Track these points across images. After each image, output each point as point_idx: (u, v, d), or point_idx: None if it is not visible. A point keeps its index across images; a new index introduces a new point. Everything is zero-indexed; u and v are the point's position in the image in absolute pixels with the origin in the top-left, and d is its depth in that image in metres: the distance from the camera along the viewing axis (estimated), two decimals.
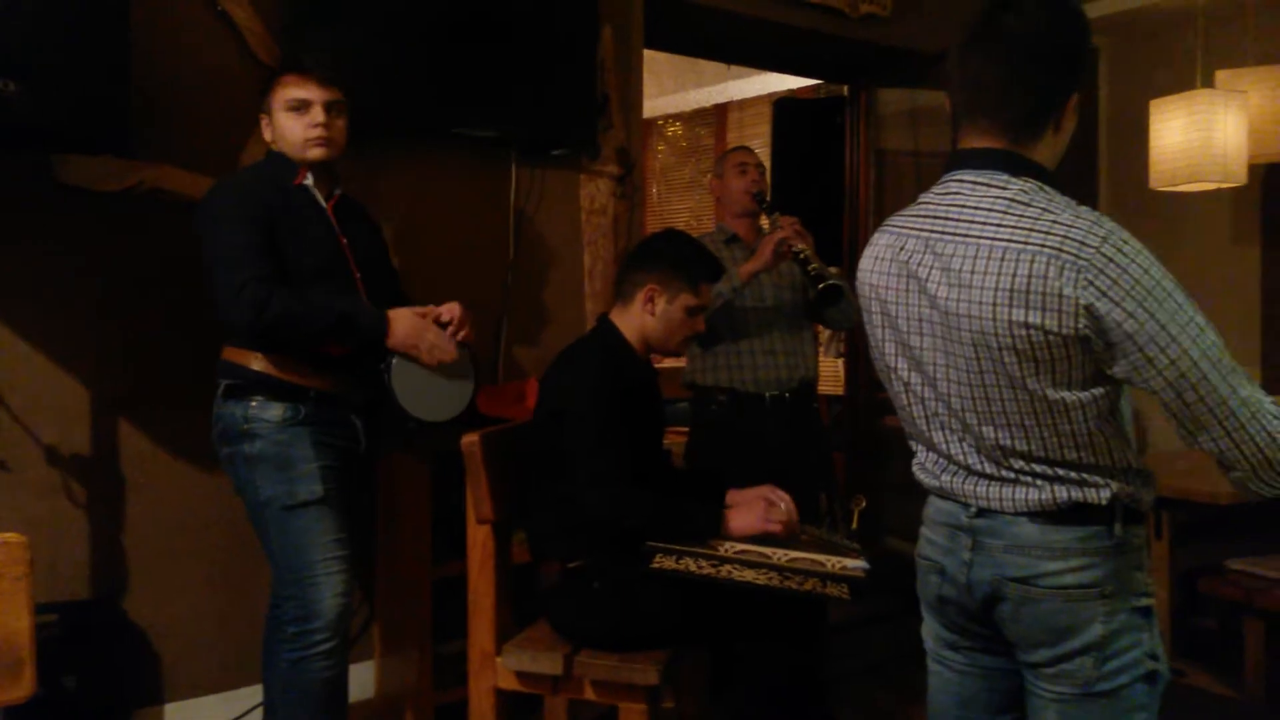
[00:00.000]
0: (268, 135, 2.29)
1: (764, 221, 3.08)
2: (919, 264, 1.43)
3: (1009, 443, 1.39)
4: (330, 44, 2.69)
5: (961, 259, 1.36)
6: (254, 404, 2.16)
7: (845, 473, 4.53)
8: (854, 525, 2.24)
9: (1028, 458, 1.39)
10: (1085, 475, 1.38)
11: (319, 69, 2.26)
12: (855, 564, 1.99)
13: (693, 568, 2.01)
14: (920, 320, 1.44)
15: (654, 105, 6.60)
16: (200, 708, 2.72)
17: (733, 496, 2.27)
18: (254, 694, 2.59)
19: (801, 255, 2.79)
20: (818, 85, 5.48)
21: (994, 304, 1.32)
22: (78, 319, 2.55)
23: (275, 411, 2.16)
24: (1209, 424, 1.29)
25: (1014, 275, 1.30)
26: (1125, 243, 1.27)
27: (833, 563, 1.99)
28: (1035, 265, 1.29)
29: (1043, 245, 1.29)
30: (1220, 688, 3.20)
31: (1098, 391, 1.34)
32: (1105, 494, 1.38)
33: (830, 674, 3.09)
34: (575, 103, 3.20)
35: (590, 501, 2.06)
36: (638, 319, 2.27)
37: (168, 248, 2.61)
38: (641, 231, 3.67)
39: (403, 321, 2.20)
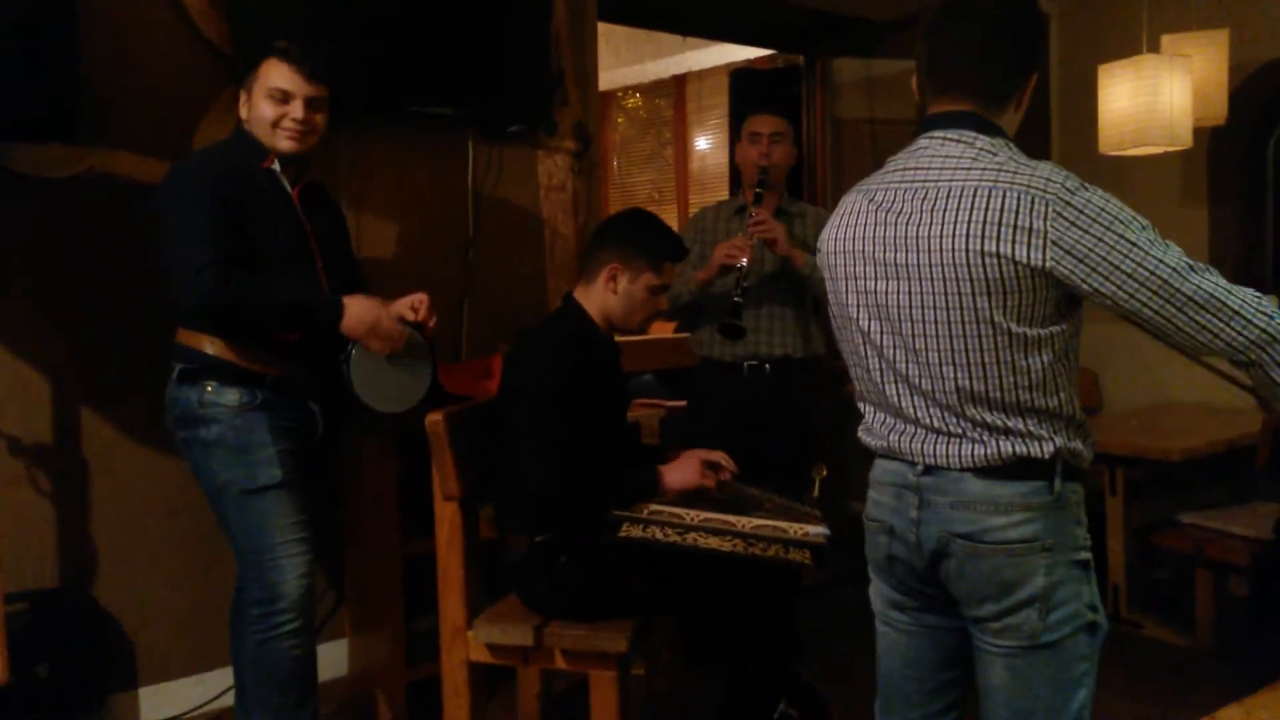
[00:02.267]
0: (243, 113, 2.26)
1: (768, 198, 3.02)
2: (889, 210, 1.49)
3: (967, 384, 1.44)
4: (279, 22, 2.66)
5: (934, 199, 1.44)
6: (209, 388, 2.16)
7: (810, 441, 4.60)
8: (815, 493, 2.29)
9: (984, 403, 1.44)
10: (1032, 428, 1.43)
11: (309, 61, 2.22)
12: (817, 530, 2.03)
13: (659, 536, 2.04)
14: (888, 265, 1.49)
15: (612, 77, 6.57)
16: (173, 691, 2.73)
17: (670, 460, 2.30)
18: (226, 676, 2.60)
19: (741, 272, 2.78)
20: (775, 55, 5.49)
21: (966, 235, 1.39)
22: (34, 308, 2.53)
23: (232, 396, 2.16)
24: (1188, 318, 1.34)
25: (985, 209, 1.38)
26: (1085, 185, 1.38)
27: (795, 529, 2.03)
28: (1006, 200, 1.38)
29: (1012, 183, 1.39)
30: (1175, 638, 3.31)
31: (1056, 329, 1.42)
32: (1049, 448, 1.44)
33: (800, 635, 3.15)
34: (530, 78, 3.19)
35: (531, 471, 2.08)
36: (600, 297, 2.29)
37: (122, 233, 2.59)
38: (602, 207, 3.68)
39: (357, 306, 2.19)
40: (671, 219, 6.49)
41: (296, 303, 2.16)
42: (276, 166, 2.25)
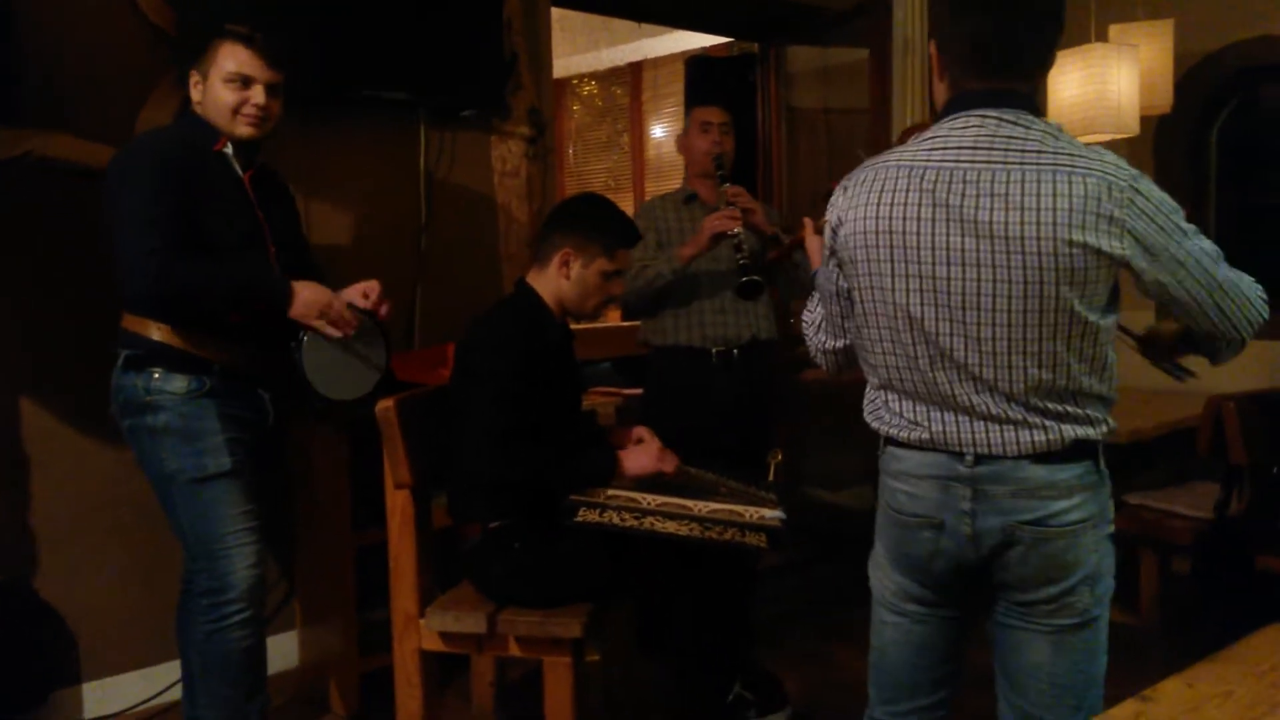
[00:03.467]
0: (196, 95, 2.20)
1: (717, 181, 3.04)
2: (949, 192, 1.41)
3: (1036, 373, 1.41)
4: (228, 6, 2.60)
5: (1008, 183, 1.38)
6: (156, 375, 2.11)
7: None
8: (770, 478, 2.30)
9: (1051, 391, 1.43)
10: (1089, 411, 1.45)
11: (270, 47, 2.19)
12: (773, 514, 2.05)
13: (615, 521, 2.05)
14: (951, 250, 1.41)
15: (567, 64, 6.54)
16: (118, 685, 2.68)
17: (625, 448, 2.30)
18: (172, 669, 2.56)
19: (738, 246, 2.79)
20: (730, 43, 5.49)
21: (1053, 224, 1.36)
22: None
23: (179, 383, 2.12)
24: (1215, 304, 1.43)
25: (1070, 195, 1.36)
26: (1142, 175, 1.41)
27: (751, 513, 2.04)
28: (1089, 185, 1.36)
29: (1088, 169, 1.37)
30: (1121, 616, 3.37)
31: (1112, 317, 1.45)
32: (1103, 429, 1.46)
33: (756, 619, 3.17)
34: (483, 63, 3.16)
35: (479, 458, 2.06)
36: (553, 282, 2.28)
37: (63, 219, 2.53)
38: (556, 193, 3.66)
39: (306, 291, 2.16)
40: (628, 206, 6.46)
41: (244, 285, 2.12)
42: (229, 150, 2.20)
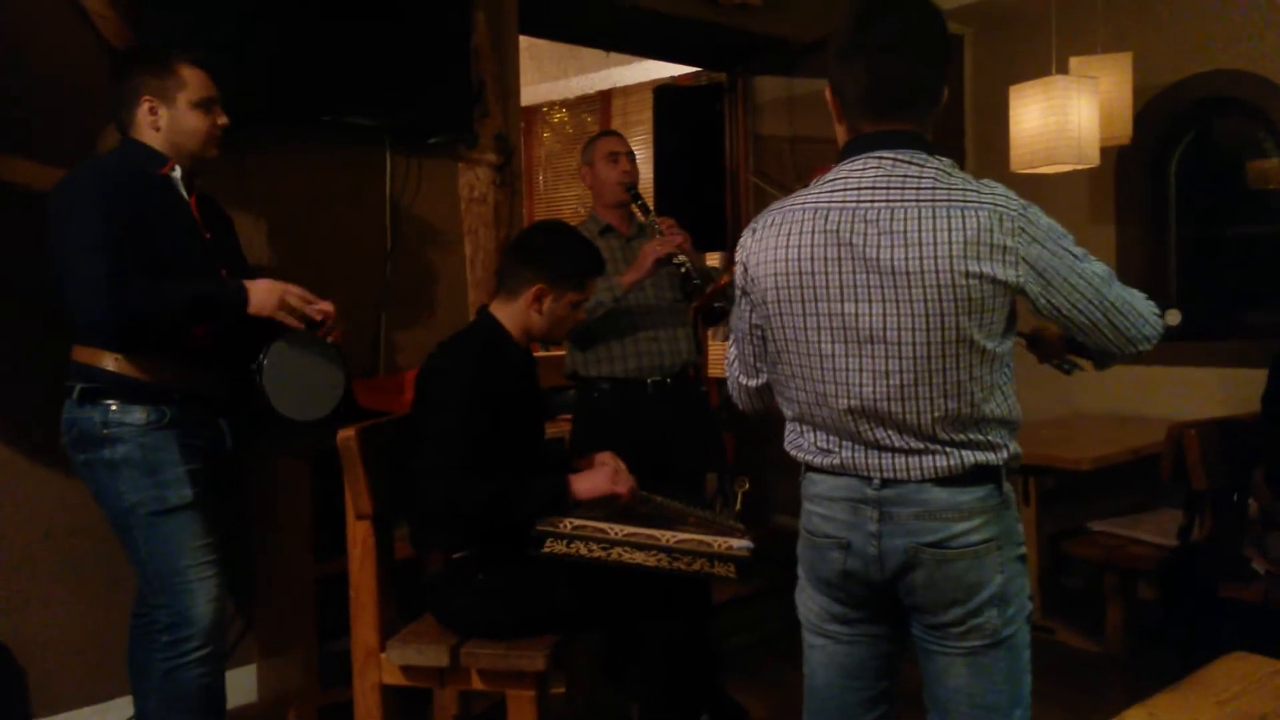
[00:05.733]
0: (149, 121, 2.17)
1: (635, 210, 3.05)
2: (852, 232, 1.46)
3: (942, 403, 1.45)
4: (191, 28, 2.59)
5: (905, 220, 1.43)
6: (113, 407, 2.07)
7: (732, 453, 4.61)
8: (738, 506, 2.29)
9: (955, 420, 1.46)
10: (990, 437, 1.49)
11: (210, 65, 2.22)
12: (741, 544, 2.04)
13: (583, 551, 2.04)
14: (857, 287, 1.46)
15: (537, 92, 6.55)
16: None
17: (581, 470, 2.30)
18: (126, 705, 2.50)
19: (684, 269, 2.80)
20: (698, 73, 5.53)
21: (949, 256, 1.41)
22: None
23: (138, 414, 2.08)
24: (1109, 322, 1.48)
25: (964, 229, 1.41)
26: (1031, 204, 1.47)
27: (719, 543, 2.03)
28: (980, 218, 1.41)
29: (980, 202, 1.43)
30: (1085, 643, 3.39)
31: (1008, 343, 1.50)
32: (1003, 454, 1.50)
33: (723, 648, 3.15)
34: (450, 89, 3.15)
35: (424, 489, 2.05)
36: (523, 315, 2.27)
37: (16, 245, 2.48)
38: (523, 220, 3.65)
39: (260, 288, 2.14)
40: None
41: (199, 297, 2.08)
42: (176, 173, 2.18)
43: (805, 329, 1.52)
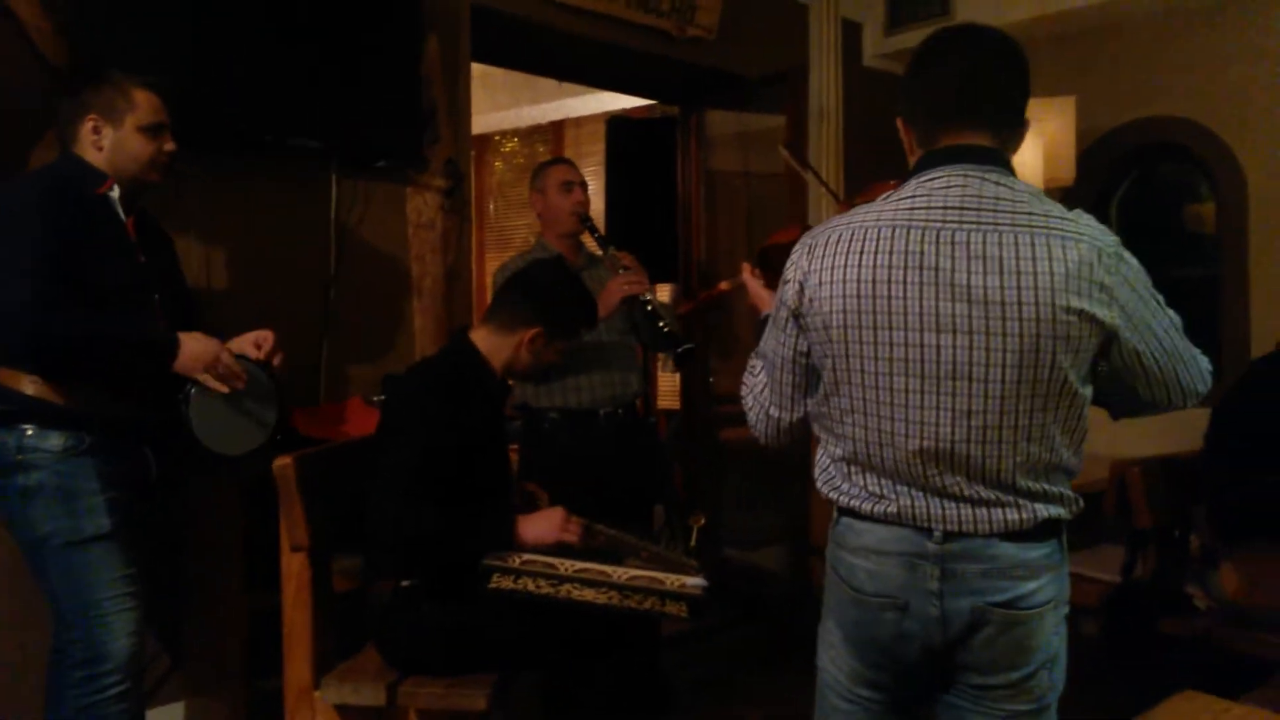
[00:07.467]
0: (92, 140, 2.10)
1: (588, 241, 3.03)
2: (937, 255, 1.31)
3: (1025, 448, 1.33)
4: (130, 45, 2.51)
5: (1000, 245, 1.30)
6: (29, 432, 1.98)
7: (684, 487, 4.58)
8: (693, 543, 2.25)
9: (1034, 469, 1.35)
10: (1061, 489, 1.39)
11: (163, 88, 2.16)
12: (694, 582, 1.99)
13: (531, 587, 1.99)
14: (939, 315, 1.32)
15: (489, 120, 6.54)
16: None
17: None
18: None
19: (650, 308, 2.77)
20: (652, 105, 5.56)
21: (1050, 288, 1.28)
22: None
23: (55, 440, 1.99)
24: (1175, 375, 1.38)
25: (1065, 260, 1.28)
26: (1120, 241, 1.36)
27: (672, 580, 1.99)
28: (1082, 251, 1.29)
29: (1079, 235, 1.30)
30: None
31: (1091, 387, 1.38)
32: (1073, 507, 1.40)
33: (672, 684, 3.09)
34: (399, 113, 3.11)
35: (374, 513, 2.00)
36: (510, 351, 2.26)
37: None
38: (471, 248, 3.61)
39: (191, 344, 2.06)
40: None
41: (125, 340, 2.01)
42: (114, 193, 2.10)
43: (876, 359, 1.36)
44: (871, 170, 4.03)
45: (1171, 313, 1.40)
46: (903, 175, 1.47)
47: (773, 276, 1.85)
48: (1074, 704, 3.18)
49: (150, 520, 2.20)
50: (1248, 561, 2.72)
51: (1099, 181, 4.33)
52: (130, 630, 2.04)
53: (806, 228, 2.15)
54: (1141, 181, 4.43)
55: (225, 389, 2.10)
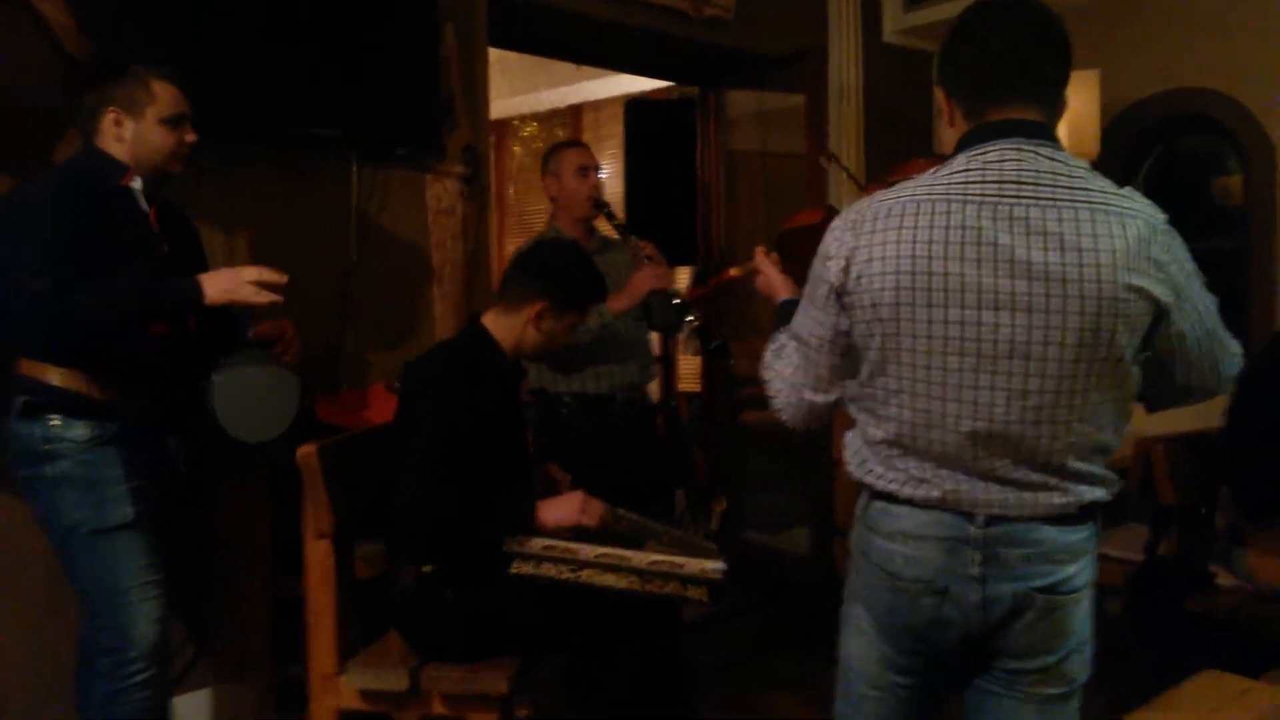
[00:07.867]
0: (116, 132, 2.12)
1: (603, 226, 3.02)
2: (996, 230, 1.28)
3: (1079, 428, 1.32)
4: (151, 37, 2.53)
5: (1060, 221, 1.27)
6: (55, 422, 2.01)
7: (705, 470, 4.58)
8: (714, 526, 2.26)
9: (1084, 450, 1.34)
10: (1104, 471, 1.38)
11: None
12: (714, 565, 2.00)
13: (552, 573, 2.00)
14: (999, 293, 1.28)
15: (507, 105, 6.52)
16: None
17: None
18: None
19: (677, 300, 2.76)
20: (670, 87, 5.53)
21: (1113, 265, 1.26)
22: None
23: (80, 430, 2.02)
24: (1213, 358, 1.38)
25: (1125, 237, 1.27)
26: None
27: (692, 565, 2.00)
28: (1139, 228, 1.28)
29: (1135, 212, 1.29)
30: None
31: (1138, 367, 1.36)
32: (1114, 488, 1.38)
33: (693, 667, 3.10)
34: (417, 101, 3.11)
35: (397, 497, 2.01)
36: (519, 330, 2.26)
37: None
38: (491, 233, 3.62)
39: (213, 277, 2.06)
40: None
41: (147, 293, 2.01)
42: (136, 185, 2.12)
43: (929, 338, 1.32)
44: (893, 148, 4.00)
45: (1211, 296, 1.38)
46: (929, 153, 1.45)
47: (790, 262, 1.84)
48: (1098, 682, 3.17)
49: (177, 509, 2.23)
50: (1274, 539, 2.69)
51: (1124, 155, 4.27)
52: (155, 618, 2.07)
53: (830, 210, 2.12)
54: (1167, 155, 4.37)
55: (274, 297, 2.08)
